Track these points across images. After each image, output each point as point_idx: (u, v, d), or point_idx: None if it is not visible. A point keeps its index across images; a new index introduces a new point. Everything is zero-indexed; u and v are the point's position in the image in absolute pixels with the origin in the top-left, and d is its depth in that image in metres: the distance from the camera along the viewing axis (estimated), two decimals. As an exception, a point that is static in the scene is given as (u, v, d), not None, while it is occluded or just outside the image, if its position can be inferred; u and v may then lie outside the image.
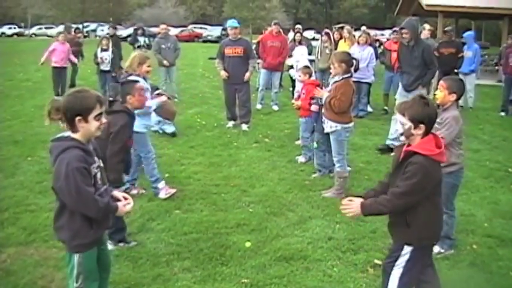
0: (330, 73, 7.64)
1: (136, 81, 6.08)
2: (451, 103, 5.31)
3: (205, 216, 6.60)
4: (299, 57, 11.73)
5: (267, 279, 5.03)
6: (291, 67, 12.56)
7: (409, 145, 3.89)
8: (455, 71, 13.90)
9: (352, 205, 3.94)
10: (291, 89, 15.62)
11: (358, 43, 13.71)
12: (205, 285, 4.93)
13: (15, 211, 6.62)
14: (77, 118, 3.56)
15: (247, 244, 5.76)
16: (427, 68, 9.19)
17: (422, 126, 3.78)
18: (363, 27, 16.94)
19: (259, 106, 14.17)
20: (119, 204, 3.85)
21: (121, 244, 5.69)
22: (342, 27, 16.69)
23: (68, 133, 3.65)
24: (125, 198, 3.96)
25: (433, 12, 23.06)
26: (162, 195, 7.15)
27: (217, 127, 11.75)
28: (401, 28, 9.44)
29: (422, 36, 13.99)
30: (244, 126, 11.53)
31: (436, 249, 5.44)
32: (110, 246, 5.60)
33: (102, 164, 3.86)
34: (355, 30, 17.18)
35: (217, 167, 8.74)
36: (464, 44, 15.35)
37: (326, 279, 5.10)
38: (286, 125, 12.16)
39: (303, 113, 8.97)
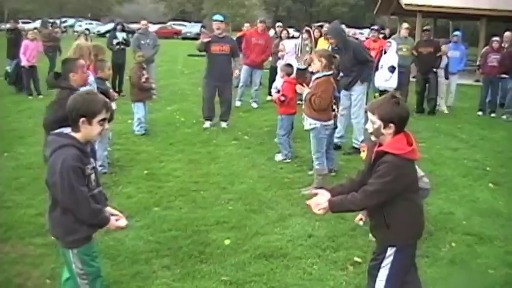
0: (310, 71, 7.67)
1: (78, 59, 6.01)
2: None
3: (185, 213, 6.56)
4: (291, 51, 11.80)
5: (247, 277, 5.00)
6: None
7: (380, 145, 3.81)
8: (434, 70, 14.01)
9: (321, 203, 3.88)
10: (268, 85, 15.63)
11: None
12: (185, 283, 4.89)
13: (-10, 208, 6.53)
14: (82, 119, 3.58)
15: (227, 242, 5.74)
16: (363, 65, 9.23)
17: (392, 125, 3.69)
18: (342, 26, 16.92)
19: (238, 103, 14.09)
20: (112, 218, 3.83)
21: None
22: (322, 26, 16.75)
23: (69, 130, 3.66)
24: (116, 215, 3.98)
25: (412, 12, 23.21)
26: None
27: (196, 124, 11.67)
28: (326, 34, 9.57)
29: (401, 35, 14.13)
30: (223, 124, 11.38)
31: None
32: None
33: (96, 165, 3.87)
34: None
35: (196, 164, 8.69)
36: (447, 43, 15.51)
37: (306, 277, 5.09)
38: (266, 122, 12.14)
39: (281, 110, 9.02)
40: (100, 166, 7.54)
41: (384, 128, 3.71)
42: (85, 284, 3.85)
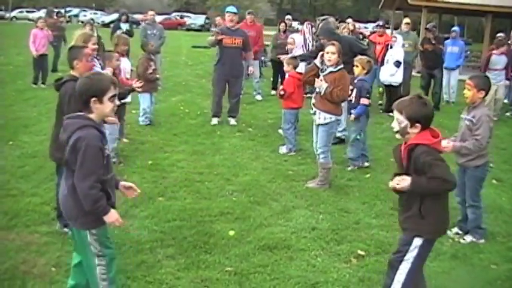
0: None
1: (85, 47, 5.98)
2: (480, 100, 5.47)
3: (189, 204, 6.58)
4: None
5: (251, 268, 5.03)
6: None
7: (405, 143, 3.95)
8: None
9: (403, 180, 3.90)
10: (272, 79, 15.63)
11: (340, 34, 13.71)
12: (189, 273, 4.91)
13: (-6, 195, 6.55)
14: (93, 99, 3.69)
15: (231, 232, 5.76)
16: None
17: (418, 125, 3.84)
18: (349, 20, 16.89)
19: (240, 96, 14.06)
20: (112, 211, 3.83)
21: (65, 229, 5.50)
22: (325, 19, 16.69)
23: (82, 113, 3.75)
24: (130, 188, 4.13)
25: (417, 7, 23.16)
26: None
27: (200, 115, 11.69)
28: (317, 35, 9.58)
29: (402, 30, 14.12)
30: (232, 121, 11.15)
31: (469, 238, 5.75)
32: (56, 227, 5.64)
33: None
34: (340, 22, 17.17)
35: (200, 155, 8.71)
36: (446, 39, 15.49)
37: (310, 268, 5.11)
38: (270, 114, 12.16)
39: (285, 104, 9.01)
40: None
41: (411, 127, 3.85)
42: (103, 265, 3.90)
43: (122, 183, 4.10)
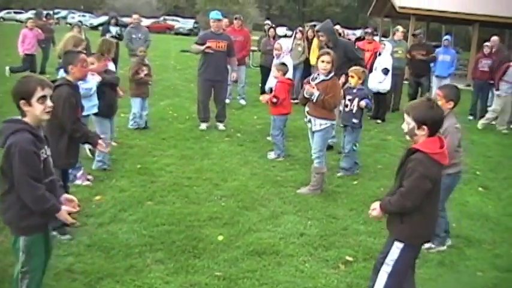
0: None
1: (81, 52, 5.95)
2: (449, 110, 5.44)
3: (178, 208, 6.58)
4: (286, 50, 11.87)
5: (240, 273, 5.05)
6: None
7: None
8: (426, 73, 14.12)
9: (373, 205, 4.19)
10: (260, 84, 15.66)
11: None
12: (178, 277, 4.92)
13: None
14: (21, 102, 3.66)
15: (220, 237, 5.78)
16: (353, 64, 8.96)
17: (424, 127, 3.89)
18: (337, 26, 16.99)
19: (227, 101, 14.03)
20: (63, 207, 3.83)
21: (54, 233, 5.47)
22: (315, 25, 16.79)
23: (19, 117, 3.74)
24: (71, 201, 4.00)
25: (406, 15, 23.30)
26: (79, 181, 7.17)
27: (189, 120, 11.68)
28: (317, 31, 9.58)
29: (396, 37, 14.22)
30: (220, 126, 11.12)
31: (427, 244, 5.56)
32: None
33: (50, 153, 3.91)
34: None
35: (189, 159, 8.72)
36: (437, 47, 15.59)
37: (298, 274, 5.14)
38: (258, 120, 12.19)
39: (275, 111, 9.03)
40: (99, 162, 7.76)
41: (418, 129, 3.92)
42: (26, 273, 3.85)
43: (65, 195, 4.02)
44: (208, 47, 10.62)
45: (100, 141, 5.57)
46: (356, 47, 12.12)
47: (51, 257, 4.97)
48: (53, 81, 5.52)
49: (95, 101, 7.24)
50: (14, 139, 3.57)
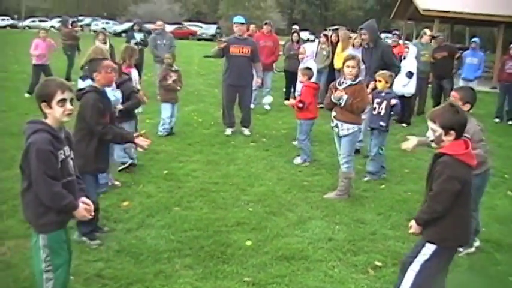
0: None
1: (105, 59, 6.02)
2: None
3: (205, 213, 6.62)
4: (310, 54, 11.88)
5: (269, 278, 5.05)
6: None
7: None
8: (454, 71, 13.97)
9: (411, 224, 4.18)
10: (284, 89, 15.65)
11: (353, 45, 13.75)
12: (207, 283, 4.94)
13: (13, 203, 6.53)
14: (42, 104, 3.78)
15: (248, 243, 5.79)
16: (388, 70, 8.76)
17: (452, 132, 3.90)
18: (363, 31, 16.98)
19: (252, 106, 14.03)
20: (81, 205, 3.91)
21: (84, 238, 5.63)
22: (337, 29, 16.76)
23: (42, 118, 3.85)
24: (88, 205, 4.03)
25: (430, 17, 23.15)
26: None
27: (214, 125, 11.73)
28: (361, 29, 9.49)
29: (423, 41, 14.11)
30: (245, 131, 11.14)
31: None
32: (74, 237, 5.63)
33: (72, 155, 3.98)
34: (352, 32, 17.26)
35: (215, 165, 8.75)
36: (464, 49, 15.43)
37: (327, 279, 5.13)
38: (283, 125, 12.18)
39: (301, 115, 9.02)
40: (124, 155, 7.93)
41: (445, 135, 3.92)
42: (49, 272, 3.88)
43: (83, 199, 4.03)
44: (221, 42, 10.73)
45: (138, 139, 5.55)
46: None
47: (81, 262, 5.07)
48: (80, 90, 5.65)
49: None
50: (33, 138, 3.69)
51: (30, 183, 3.73)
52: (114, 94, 7.02)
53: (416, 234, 4.22)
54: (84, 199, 4.03)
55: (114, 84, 6.86)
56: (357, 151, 9.44)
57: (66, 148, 3.89)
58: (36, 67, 14.89)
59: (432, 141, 4.03)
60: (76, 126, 5.48)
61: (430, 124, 3.99)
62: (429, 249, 4.02)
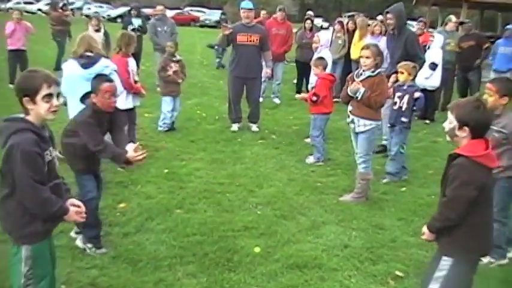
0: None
1: (108, 80, 5.57)
2: (502, 107, 5.34)
3: (210, 217, 6.64)
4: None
5: (280, 288, 5.08)
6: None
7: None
8: (477, 62, 13.87)
9: (424, 231, 4.12)
10: (295, 81, 15.65)
11: (372, 33, 13.74)
12: (212, 293, 4.98)
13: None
14: (25, 99, 3.62)
15: (257, 249, 5.80)
16: (410, 61, 8.70)
17: (466, 128, 3.81)
18: (380, 17, 16.96)
19: (260, 99, 14.00)
20: (72, 208, 3.86)
21: (89, 245, 5.62)
22: (353, 16, 16.72)
23: (22, 115, 3.70)
24: (78, 206, 3.96)
25: (456, 2, 23.03)
26: None
27: (218, 120, 11.77)
28: (387, 12, 9.44)
29: (447, 28, 14.03)
30: (253, 127, 11.16)
31: (486, 258, 5.48)
32: (78, 242, 5.68)
33: (56, 154, 3.91)
34: (370, 19, 17.26)
35: (220, 164, 8.78)
36: (496, 38, 15.24)
37: (343, 290, 5.15)
38: (294, 120, 12.21)
39: (315, 109, 9.02)
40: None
41: (458, 129, 3.85)
42: (31, 286, 3.82)
43: (71, 200, 3.97)
44: (226, 27, 10.69)
45: (131, 153, 5.30)
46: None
47: (74, 269, 5.09)
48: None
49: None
50: (16, 139, 3.54)
51: (13, 190, 3.61)
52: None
53: (429, 241, 4.18)
54: (73, 201, 3.97)
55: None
56: (384, 148, 9.39)
57: (51, 148, 3.80)
58: (11, 53, 14.81)
59: (446, 133, 3.98)
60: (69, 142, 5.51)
61: (449, 114, 3.94)
62: (446, 263, 3.92)
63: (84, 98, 5.58)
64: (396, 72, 8.46)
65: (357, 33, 14.47)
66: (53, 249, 4.12)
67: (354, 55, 13.81)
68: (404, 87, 8.20)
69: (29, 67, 14.44)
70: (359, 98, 7.10)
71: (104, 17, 48.06)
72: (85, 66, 6.89)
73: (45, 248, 3.86)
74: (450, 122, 3.91)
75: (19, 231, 3.72)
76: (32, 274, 3.79)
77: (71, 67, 6.94)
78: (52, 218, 3.80)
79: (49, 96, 3.65)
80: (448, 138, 4.04)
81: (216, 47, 19.53)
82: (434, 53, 12.40)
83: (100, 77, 5.57)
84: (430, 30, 18.62)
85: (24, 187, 3.57)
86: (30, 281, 3.80)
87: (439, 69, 12.39)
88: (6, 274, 4.96)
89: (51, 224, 3.88)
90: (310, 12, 17.67)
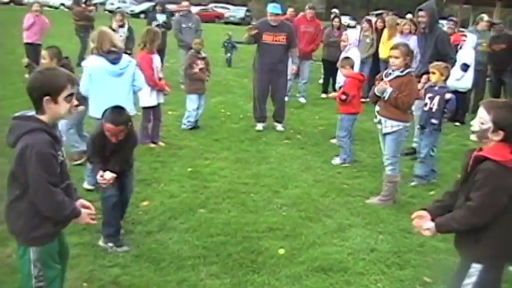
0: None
1: (117, 118, 5.46)
2: None
3: (234, 217, 6.66)
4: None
5: (304, 291, 5.08)
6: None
7: (480, 149, 3.80)
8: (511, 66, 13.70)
9: (426, 224, 3.97)
10: (321, 81, 15.63)
11: (402, 32, 13.67)
12: (236, 294, 4.99)
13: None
14: (45, 98, 3.56)
15: (281, 251, 5.81)
16: (439, 60, 8.64)
17: (501, 132, 3.67)
18: (409, 15, 16.89)
19: (285, 98, 13.97)
20: (83, 211, 3.86)
21: (110, 244, 5.65)
22: (381, 14, 16.63)
23: (32, 112, 3.66)
24: (88, 208, 3.96)
25: (490, 1, 22.73)
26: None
27: (243, 119, 11.80)
28: (419, 10, 9.38)
29: (479, 28, 13.90)
30: (279, 126, 11.16)
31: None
32: (100, 241, 5.71)
33: (65, 155, 3.87)
34: (399, 18, 17.17)
35: (244, 163, 8.80)
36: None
37: (369, 295, 5.14)
38: (320, 121, 12.19)
39: (343, 109, 9.01)
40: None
41: (493, 131, 3.70)
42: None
43: (80, 200, 3.97)
44: (252, 28, 10.72)
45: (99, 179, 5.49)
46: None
47: (96, 267, 5.12)
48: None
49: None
50: (29, 140, 3.50)
51: (24, 191, 3.59)
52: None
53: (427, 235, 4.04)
54: (83, 202, 3.97)
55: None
56: (414, 151, 9.34)
57: (63, 148, 3.79)
58: (29, 46, 14.87)
59: (474, 132, 3.80)
60: None
61: (482, 113, 3.74)
62: (476, 270, 3.82)
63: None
64: (428, 72, 8.41)
65: (385, 32, 14.42)
66: (64, 247, 4.11)
67: (382, 54, 13.78)
68: (436, 88, 8.16)
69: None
70: (386, 98, 7.08)
71: (127, 13, 48.34)
72: (114, 61, 6.92)
73: (53, 249, 3.86)
74: (483, 122, 3.72)
75: (29, 233, 3.69)
76: (43, 276, 3.79)
77: (98, 63, 6.93)
78: (63, 221, 3.82)
79: (71, 95, 3.66)
80: (473, 138, 3.88)
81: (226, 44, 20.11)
82: (466, 54, 12.30)
83: (111, 114, 5.45)
84: (461, 29, 18.50)
85: (38, 190, 3.55)
86: (41, 283, 3.80)
87: (470, 71, 12.28)
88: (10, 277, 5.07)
89: (62, 226, 3.89)
90: (335, 10, 17.62)
